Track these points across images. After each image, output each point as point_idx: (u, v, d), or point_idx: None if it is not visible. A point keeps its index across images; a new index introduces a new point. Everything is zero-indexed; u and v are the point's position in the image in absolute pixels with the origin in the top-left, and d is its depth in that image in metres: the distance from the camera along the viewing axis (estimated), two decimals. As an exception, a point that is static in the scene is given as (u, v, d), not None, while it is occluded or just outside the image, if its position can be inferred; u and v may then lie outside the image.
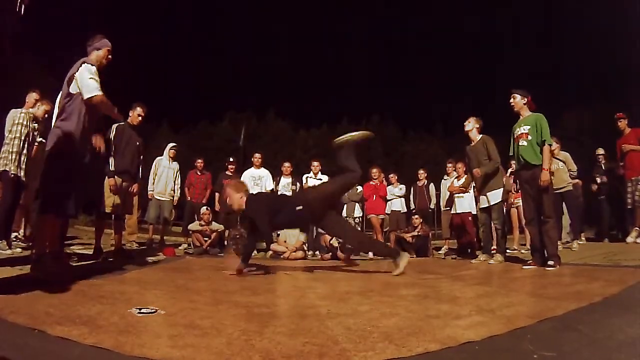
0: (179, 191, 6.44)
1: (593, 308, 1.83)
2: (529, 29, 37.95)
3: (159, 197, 6.19)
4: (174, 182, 6.33)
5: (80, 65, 2.73)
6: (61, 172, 2.61)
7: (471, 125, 4.71)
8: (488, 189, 4.48)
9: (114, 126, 4.18)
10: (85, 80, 2.68)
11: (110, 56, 3.01)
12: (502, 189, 4.52)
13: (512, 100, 4.02)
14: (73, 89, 2.70)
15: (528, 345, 1.31)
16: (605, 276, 2.81)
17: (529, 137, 3.82)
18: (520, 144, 3.89)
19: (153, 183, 6.19)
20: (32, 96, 4.32)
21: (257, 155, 6.44)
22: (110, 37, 3.06)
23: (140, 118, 4.34)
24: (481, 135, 4.68)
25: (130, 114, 4.33)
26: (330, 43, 50.21)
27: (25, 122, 4.05)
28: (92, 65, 2.76)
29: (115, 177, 4.06)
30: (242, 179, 6.24)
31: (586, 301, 1.93)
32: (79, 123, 2.69)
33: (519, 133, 3.92)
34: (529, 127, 3.85)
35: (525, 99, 3.98)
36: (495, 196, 4.46)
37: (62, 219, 2.85)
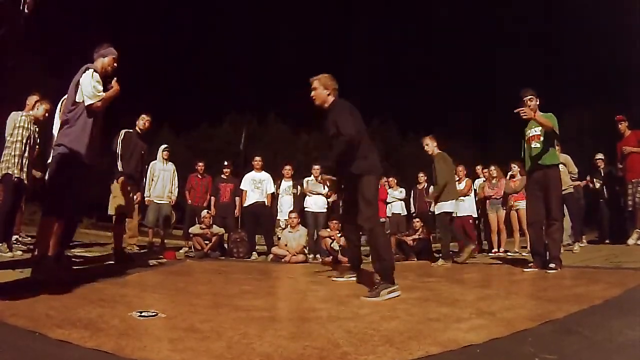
0: (177, 190, 6.42)
1: (594, 310, 1.83)
2: (529, 29, 37.78)
3: (157, 201, 6.17)
4: (172, 182, 6.31)
5: (85, 71, 2.78)
6: (66, 177, 2.64)
7: (430, 147, 5.03)
8: (444, 198, 4.95)
9: (122, 132, 4.26)
10: (86, 87, 2.74)
11: (115, 64, 3.04)
12: (450, 201, 4.98)
13: (531, 102, 3.76)
14: (79, 97, 2.76)
15: (529, 347, 1.31)
16: (606, 279, 2.80)
17: (541, 139, 3.76)
18: (533, 146, 3.81)
19: (149, 188, 6.17)
20: (32, 98, 4.33)
21: (258, 158, 6.42)
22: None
23: (147, 125, 4.49)
24: (437, 153, 5.00)
25: (138, 122, 4.45)
26: (330, 44, 50.04)
27: (26, 125, 4.06)
28: (95, 71, 2.81)
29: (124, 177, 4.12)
30: (242, 182, 6.24)
31: (587, 304, 1.93)
32: (85, 129, 2.74)
33: (531, 135, 3.84)
34: (540, 128, 3.77)
35: (537, 100, 3.83)
36: (441, 207, 4.95)
37: (64, 223, 2.86)
